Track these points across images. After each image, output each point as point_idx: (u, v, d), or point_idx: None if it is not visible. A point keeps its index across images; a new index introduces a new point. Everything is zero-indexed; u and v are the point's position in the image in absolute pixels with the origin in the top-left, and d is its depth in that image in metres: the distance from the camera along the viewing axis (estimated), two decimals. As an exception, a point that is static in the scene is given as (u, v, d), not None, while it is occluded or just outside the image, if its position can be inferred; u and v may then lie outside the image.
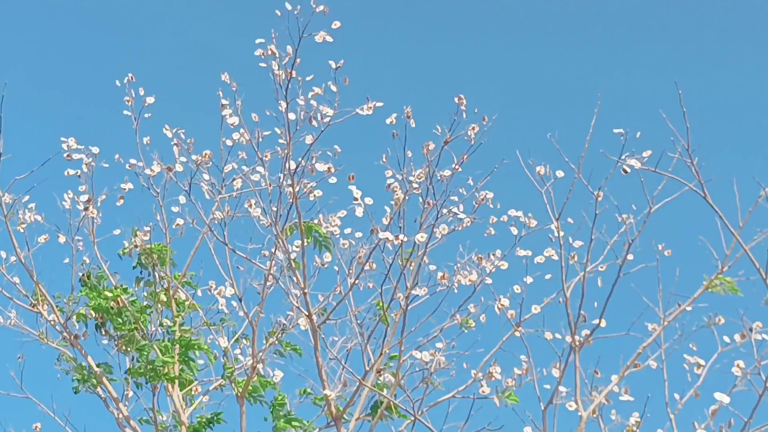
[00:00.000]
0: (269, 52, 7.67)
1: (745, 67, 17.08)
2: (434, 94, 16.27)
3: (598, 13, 17.68)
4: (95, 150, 8.64)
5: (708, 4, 17.47)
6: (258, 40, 7.67)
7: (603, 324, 7.95)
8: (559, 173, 7.99)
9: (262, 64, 7.71)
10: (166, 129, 8.39)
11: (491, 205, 8.16)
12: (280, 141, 7.94)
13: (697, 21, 17.33)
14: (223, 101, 8.19)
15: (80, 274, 9.00)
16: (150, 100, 8.60)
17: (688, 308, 8.11)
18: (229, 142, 8.33)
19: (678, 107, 7.64)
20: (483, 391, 8.14)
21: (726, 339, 7.92)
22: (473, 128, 7.86)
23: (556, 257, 8.04)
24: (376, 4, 18.17)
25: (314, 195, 8.09)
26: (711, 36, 17.20)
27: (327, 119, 7.77)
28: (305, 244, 8.15)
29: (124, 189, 8.72)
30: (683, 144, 7.67)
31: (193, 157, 8.41)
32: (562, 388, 7.98)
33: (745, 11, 17.11)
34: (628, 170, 7.79)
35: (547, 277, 8.23)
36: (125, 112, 8.65)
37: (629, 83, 17.05)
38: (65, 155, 8.71)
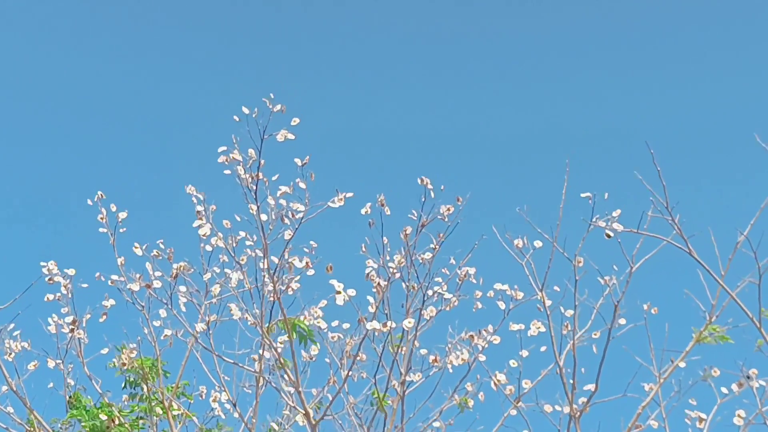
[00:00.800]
0: (232, 158, 7.71)
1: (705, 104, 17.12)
2: (403, 169, 16.25)
3: (563, 72, 17.69)
4: (71, 272, 8.64)
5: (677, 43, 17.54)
6: (220, 148, 7.72)
7: (598, 389, 7.90)
8: (537, 243, 7.99)
9: (227, 171, 7.74)
10: (137, 247, 8.37)
11: (474, 281, 8.15)
12: (253, 242, 7.96)
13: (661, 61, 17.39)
14: (198, 208, 8.22)
15: (67, 397, 8.96)
16: (123, 215, 8.61)
17: (682, 364, 8.07)
18: (208, 248, 8.33)
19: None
20: None
21: (724, 390, 7.89)
22: (448, 209, 7.86)
23: (543, 329, 8.01)
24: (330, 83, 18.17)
25: (292, 289, 8.06)
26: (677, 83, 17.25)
27: (299, 215, 7.78)
28: (291, 340, 8.12)
29: (106, 306, 8.69)
30: (662, 202, 7.72)
31: (174, 266, 8.40)
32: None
33: (714, 46, 17.20)
34: (611, 234, 7.79)
35: (542, 349, 8.19)
36: (101, 229, 8.66)
37: (595, 138, 17.04)
38: (47, 279, 8.70)
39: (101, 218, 8.65)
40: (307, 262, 7.86)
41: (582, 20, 17.80)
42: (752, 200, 7.94)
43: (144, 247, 8.43)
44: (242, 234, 8.12)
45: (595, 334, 8.09)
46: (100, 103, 17.70)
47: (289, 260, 7.94)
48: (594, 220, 7.77)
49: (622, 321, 8.01)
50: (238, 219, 7.89)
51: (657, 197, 7.70)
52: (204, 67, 17.87)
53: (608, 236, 7.80)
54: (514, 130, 17.22)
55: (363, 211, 7.77)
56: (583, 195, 7.77)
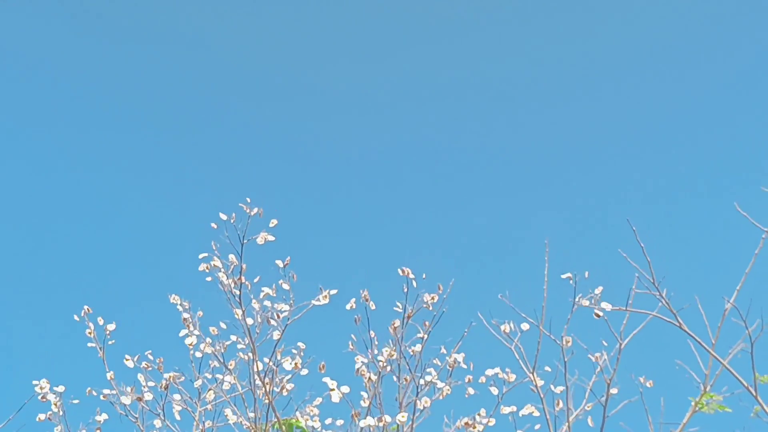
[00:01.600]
0: (213, 266, 7.75)
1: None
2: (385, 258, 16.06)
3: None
4: (60, 389, 8.62)
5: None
6: (201, 255, 7.76)
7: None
8: (525, 326, 7.98)
9: (209, 278, 7.77)
10: (128, 359, 8.37)
11: (465, 366, 8.12)
12: (245, 345, 7.96)
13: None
14: (185, 315, 8.24)
15: None
16: (111, 327, 8.62)
17: (681, 434, 8.05)
18: (198, 354, 8.33)
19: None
20: None
21: (724, 459, 7.85)
22: (432, 297, 7.87)
23: (538, 413, 7.97)
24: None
25: (287, 390, 8.05)
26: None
27: (284, 314, 7.80)
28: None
29: (99, 421, 8.66)
30: (648, 278, 7.73)
31: (165, 376, 8.39)
32: None
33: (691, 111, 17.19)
34: (600, 314, 7.79)
35: (537, 427, 8.16)
36: (89, 344, 8.66)
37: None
38: (40, 397, 8.67)
39: (89, 332, 8.66)
40: (296, 364, 7.86)
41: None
42: (736, 268, 7.96)
43: (136, 359, 8.44)
44: (233, 338, 8.14)
45: (588, 407, 8.05)
46: (80, 212, 17.62)
47: (281, 361, 7.95)
48: (577, 299, 7.77)
49: (614, 391, 7.97)
50: (224, 326, 7.92)
51: (643, 273, 7.72)
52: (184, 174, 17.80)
53: (597, 316, 7.79)
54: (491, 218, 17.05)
55: (348, 307, 7.79)
56: (563, 276, 7.79)
